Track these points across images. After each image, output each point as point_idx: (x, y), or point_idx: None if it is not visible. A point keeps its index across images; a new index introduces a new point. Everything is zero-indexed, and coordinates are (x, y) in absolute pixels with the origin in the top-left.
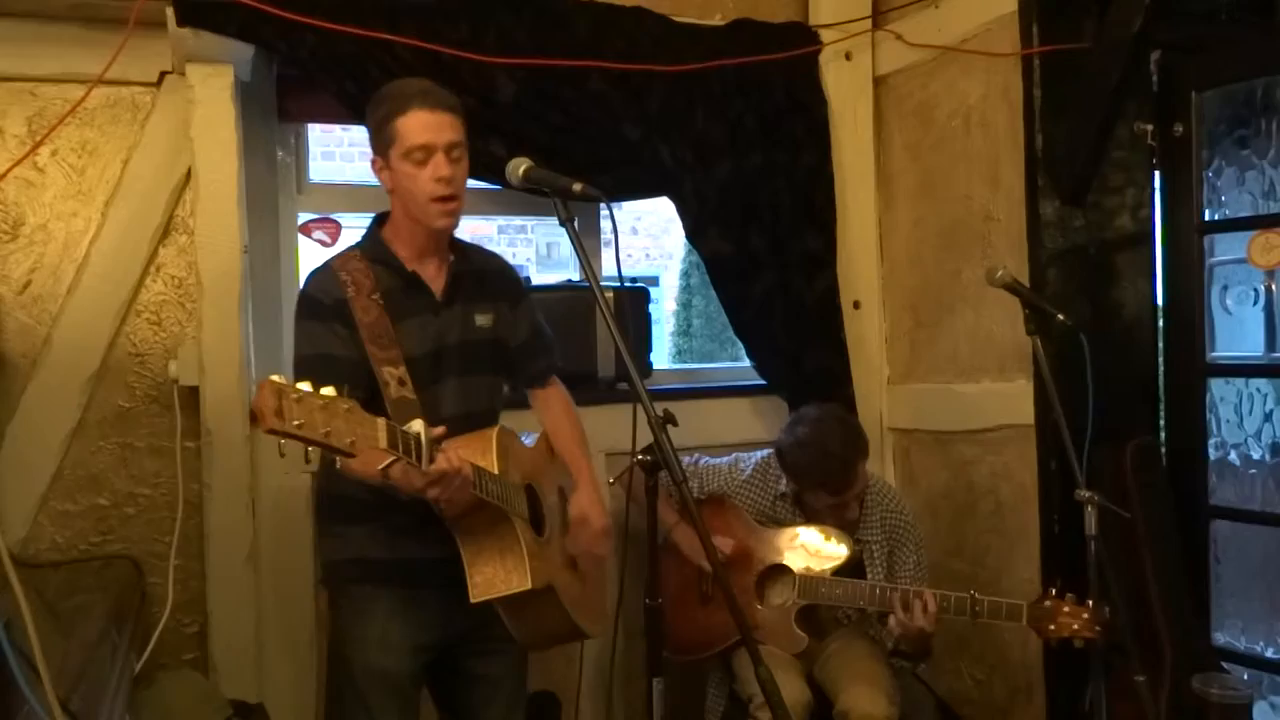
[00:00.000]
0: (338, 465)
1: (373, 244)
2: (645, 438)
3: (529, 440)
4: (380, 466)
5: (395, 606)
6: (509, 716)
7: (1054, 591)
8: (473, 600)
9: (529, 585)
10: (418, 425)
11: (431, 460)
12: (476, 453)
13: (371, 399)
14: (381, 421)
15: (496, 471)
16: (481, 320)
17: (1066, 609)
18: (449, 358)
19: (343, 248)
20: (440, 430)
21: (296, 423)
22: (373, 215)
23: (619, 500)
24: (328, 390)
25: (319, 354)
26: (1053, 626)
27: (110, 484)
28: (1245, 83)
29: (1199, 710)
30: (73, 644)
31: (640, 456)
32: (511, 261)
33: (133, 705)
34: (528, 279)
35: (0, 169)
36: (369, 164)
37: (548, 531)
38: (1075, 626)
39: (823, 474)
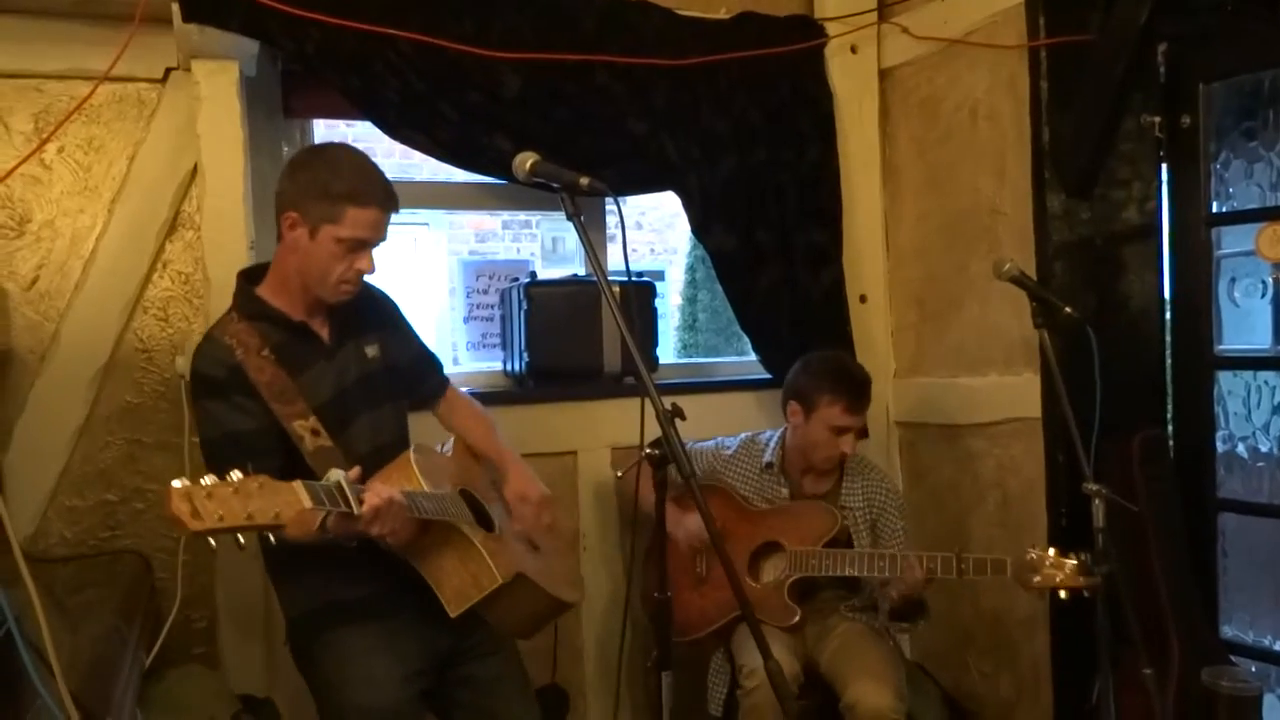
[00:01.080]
0: (272, 540)
1: (249, 303)
2: (651, 431)
3: (446, 449)
4: (315, 526)
5: (372, 643)
6: (525, 707)
7: (1040, 548)
8: (452, 615)
9: (499, 581)
10: (335, 474)
11: (360, 502)
12: (400, 480)
13: (290, 459)
14: (298, 484)
15: (422, 483)
16: (371, 351)
17: (1050, 561)
18: (354, 397)
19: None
20: (356, 471)
21: (218, 516)
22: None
23: (626, 494)
24: (234, 475)
25: (224, 434)
26: (1038, 578)
27: (119, 479)
28: (1253, 74)
29: (1207, 703)
30: (82, 638)
31: (648, 450)
32: (517, 257)
33: (142, 699)
34: (532, 274)
35: (7, 166)
36: (278, 216)
37: (498, 526)
38: (1059, 578)
39: (844, 387)
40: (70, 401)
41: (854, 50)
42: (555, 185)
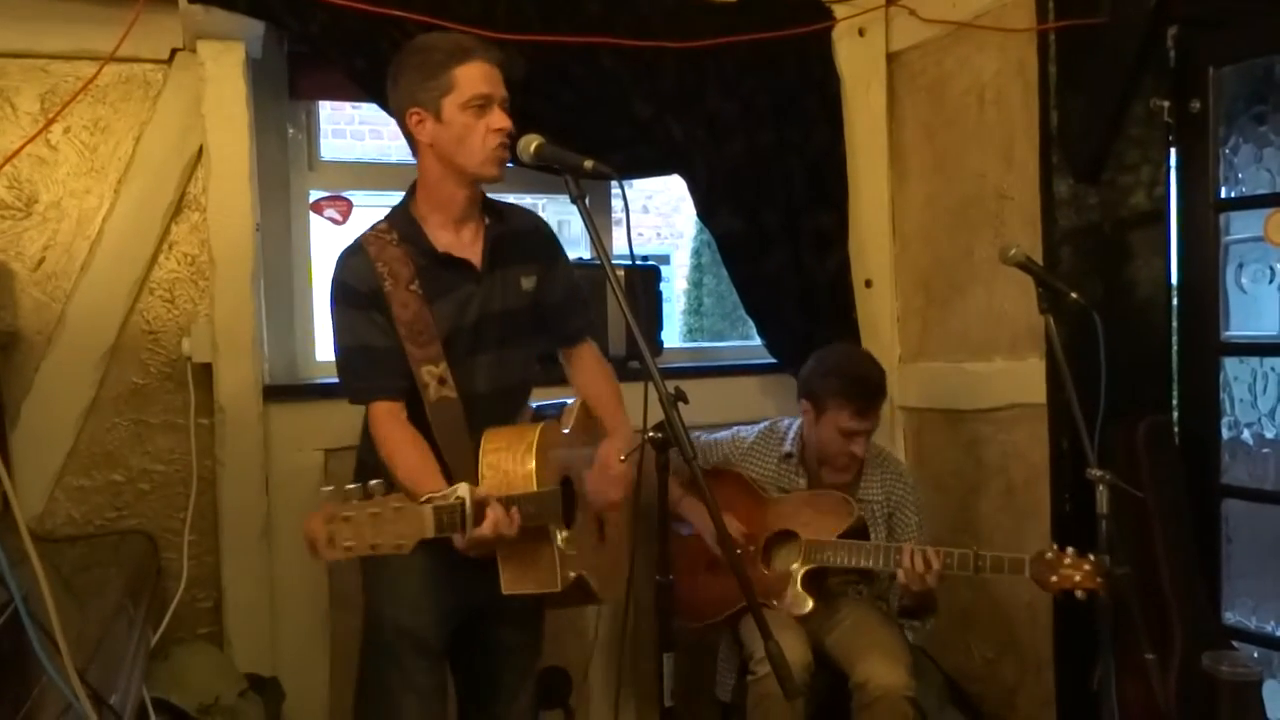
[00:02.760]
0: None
1: (406, 222)
2: (655, 415)
3: (569, 403)
4: (410, 549)
5: (429, 569)
6: (523, 683)
7: (1056, 546)
8: (504, 591)
9: (556, 589)
10: (463, 489)
11: (478, 522)
12: (516, 457)
13: (412, 390)
14: (427, 511)
15: (535, 481)
16: (526, 284)
17: (1068, 560)
18: (489, 328)
19: (375, 220)
20: (483, 493)
21: (346, 545)
22: (390, 199)
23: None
24: (377, 486)
25: (361, 345)
26: (1055, 578)
27: (125, 460)
28: (1263, 58)
29: (1208, 688)
30: (89, 617)
31: (651, 433)
32: None
33: (149, 678)
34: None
35: (13, 146)
36: (406, 119)
37: (580, 519)
38: (1077, 578)
39: (854, 390)
40: (77, 382)
41: (862, 33)
42: (559, 168)
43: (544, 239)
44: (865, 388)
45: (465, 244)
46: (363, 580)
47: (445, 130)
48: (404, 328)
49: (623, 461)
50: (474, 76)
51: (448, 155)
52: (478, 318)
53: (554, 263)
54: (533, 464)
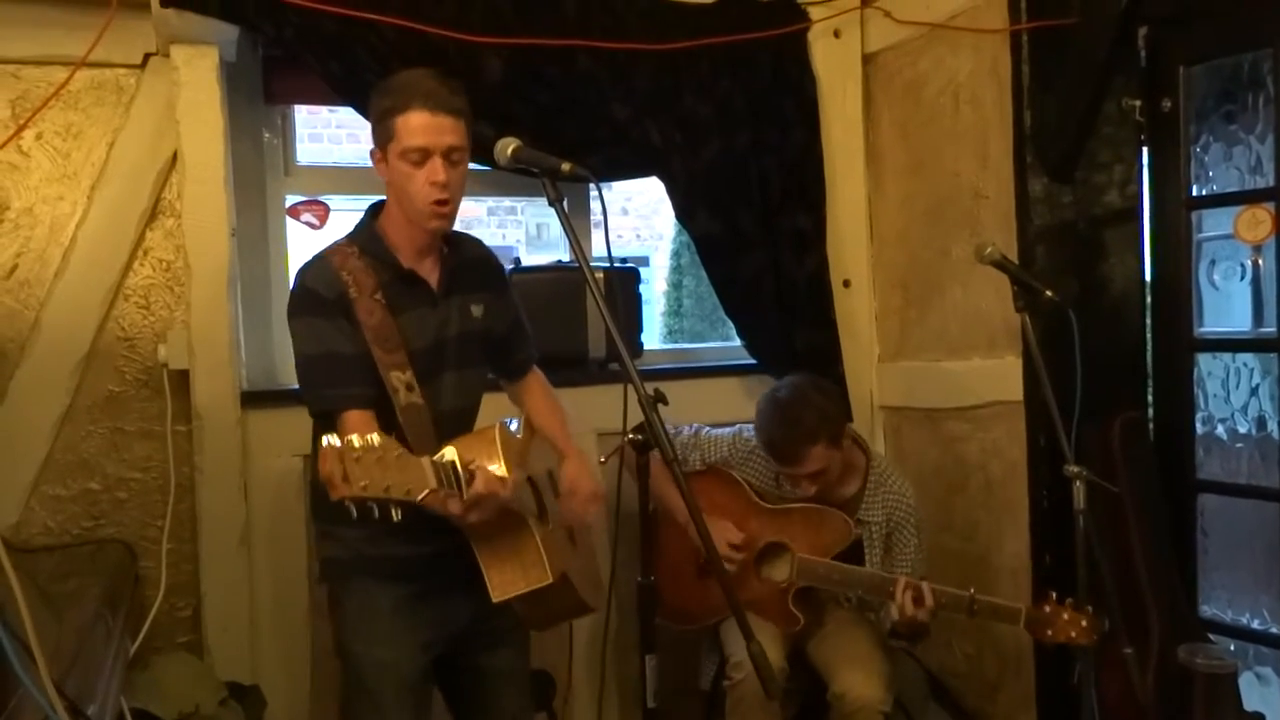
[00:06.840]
0: (395, 515)
1: (369, 238)
2: (635, 417)
3: (512, 425)
4: (419, 498)
5: (398, 604)
6: (521, 704)
7: (1054, 596)
8: (495, 600)
9: (549, 580)
10: (450, 452)
11: (469, 482)
12: (482, 454)
13: (380, 399)
14: (426, 461)
15: (505, 472)
16: (476, 311)
17: (1065, 616)
18: (448, 351)
19: (334, 239)
20: (470, 457)
21: (362, 484)
22: (367, 203)
23: (610, 479)
24: (374, 438)
25: (328, 352)
26: (1050, 632)
27: (101, 468)
28: (1233, 57)
29: (1185, 680)
30: (66, 627)
31: (631, 435)
32: (501, 243)
33: (127, 687)
34: (516, 260)
35: None
36: (368, 154)
37: (550, 519)
38: (1073, 634)
39: (771, 449)
40: (52, 390)
41: (837, 35)
42: (537, 171)
43: (493, 269)
44: (777, 448)
45: (426, 270)
46: (332, 622)
47: (394, 176)
48: (370, 333)
49: (603, 463)
50: (412, 128)
51: (399, 200)
52: (435, 340)
53: (502, 292)
54: (497, 449)
